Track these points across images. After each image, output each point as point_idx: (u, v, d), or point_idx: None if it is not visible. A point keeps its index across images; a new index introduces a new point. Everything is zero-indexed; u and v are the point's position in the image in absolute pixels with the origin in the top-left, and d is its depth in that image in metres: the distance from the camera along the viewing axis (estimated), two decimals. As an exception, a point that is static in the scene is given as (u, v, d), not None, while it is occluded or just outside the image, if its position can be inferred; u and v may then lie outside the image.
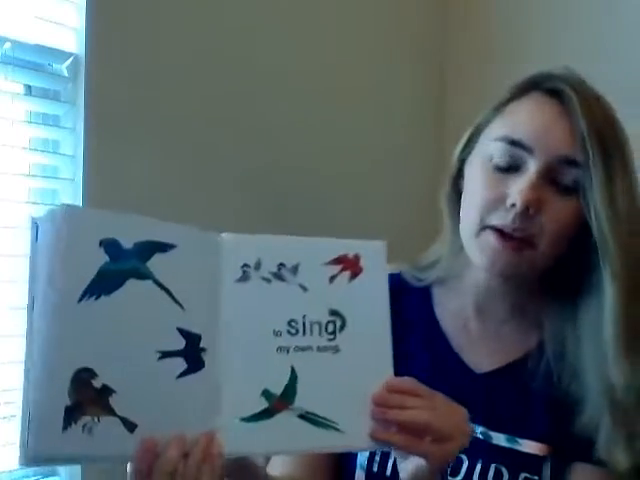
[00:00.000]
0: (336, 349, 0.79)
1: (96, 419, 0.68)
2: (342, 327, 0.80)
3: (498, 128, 0.93)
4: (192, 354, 0.74)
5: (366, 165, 1.84)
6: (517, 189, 0.87)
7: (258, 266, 0.78)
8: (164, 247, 0.75)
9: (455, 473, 0.95)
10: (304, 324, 0.78)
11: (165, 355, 0.73)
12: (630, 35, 1.76)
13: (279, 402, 0.76)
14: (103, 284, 0.71)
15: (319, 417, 0.77)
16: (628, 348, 0.85)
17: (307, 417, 0.77)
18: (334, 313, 0.80)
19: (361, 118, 1.84)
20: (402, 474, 0.81)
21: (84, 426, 0.68)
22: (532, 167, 0.88)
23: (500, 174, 0.90)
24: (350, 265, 0.81)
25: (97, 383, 0.69)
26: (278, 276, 0.79)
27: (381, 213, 1.85)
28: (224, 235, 0.78)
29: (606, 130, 0.88)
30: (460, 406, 0.79)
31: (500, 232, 0.89)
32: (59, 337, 0.68)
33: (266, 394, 0.76)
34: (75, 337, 0.69)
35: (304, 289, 0.79)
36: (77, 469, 1.29)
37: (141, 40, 1.39)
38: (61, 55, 1.32)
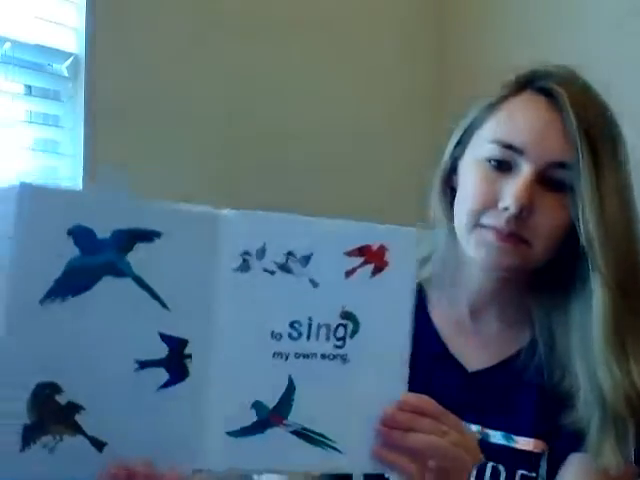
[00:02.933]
0: (344, 358, 0.69)
1: (58, 437, 0.61)
2: (354, 332, 0.69)
3: (492, 130, 0.93)
4: (175, 363, 0.65)
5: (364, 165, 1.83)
6: (510, 192, 0.88)
7: (262, 254, 0.67)
8: (148, 236, 0.63)
9: None
10: (310, 327, 0.68)
11: (144, 365, 0.64)
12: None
13: (273, 415, 0.68)
14: (71, 283, 0.60)
15: (316, 434, 0.69)
16: (616, 352, 0.85)
17: (303, 434, 0.69)
18: (347, 315, 0.69)
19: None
20: None
21: (45, 445, 0.61)
22: (525, 170, 0.88)
23: (493, 174, 0.90)
24: (374, 258, 0.69)
25: (62, 399, 0.61)
26: (284, 267, 0.67)
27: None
28: (227, 212, 0.67)
29: (597, 127, 0.88)
30: (472, 431, 0.74)
31: (495, 229, 0.89)
32: (16, 345, 0.59)
33: (257, 406, 0.68)
34: (36, 346, 0.60)
35: (314, 284, 0.68)
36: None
37: (141, 40, 1.38)
38: (61, 55, 1.31)
